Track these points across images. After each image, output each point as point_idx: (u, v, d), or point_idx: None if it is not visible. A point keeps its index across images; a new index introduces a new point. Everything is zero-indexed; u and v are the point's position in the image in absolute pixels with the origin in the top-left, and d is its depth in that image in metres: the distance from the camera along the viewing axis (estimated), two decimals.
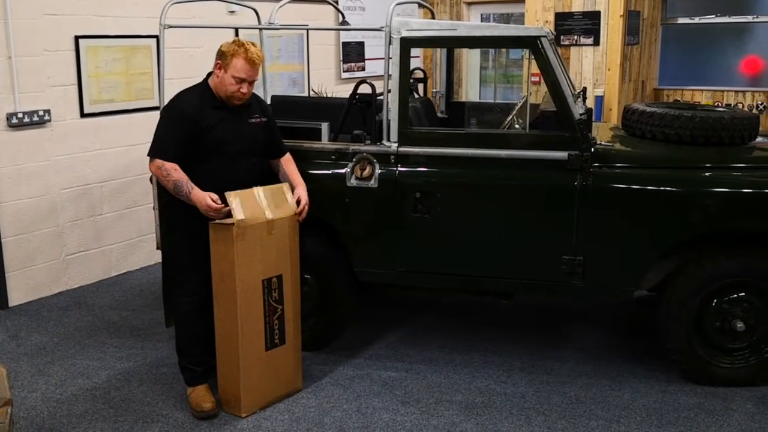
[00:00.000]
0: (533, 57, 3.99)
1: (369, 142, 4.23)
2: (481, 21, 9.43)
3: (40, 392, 4.04)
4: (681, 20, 8.63)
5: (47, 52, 5.29)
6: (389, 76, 4.08)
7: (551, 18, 7.76)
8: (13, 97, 5.09)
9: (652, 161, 4.04)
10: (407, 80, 4.18)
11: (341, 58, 8.14)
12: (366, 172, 4.15)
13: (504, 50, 9.42)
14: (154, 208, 4.28)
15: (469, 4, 9.35)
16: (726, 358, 4.04)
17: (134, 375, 4.23)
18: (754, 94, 8.22)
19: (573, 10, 7.64)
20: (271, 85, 5.70)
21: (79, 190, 5.61)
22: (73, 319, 5.06)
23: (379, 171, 4.13)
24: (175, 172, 3.60)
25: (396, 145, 4.12)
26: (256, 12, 5.21)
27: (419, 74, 5.65)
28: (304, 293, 4.17)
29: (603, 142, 4.17)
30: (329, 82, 7.92)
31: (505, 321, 4.98)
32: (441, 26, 4.25)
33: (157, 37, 5.36)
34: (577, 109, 4.02)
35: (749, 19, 8.26)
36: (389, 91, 4.11)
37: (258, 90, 3.89)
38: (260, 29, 5.23)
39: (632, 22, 7.75)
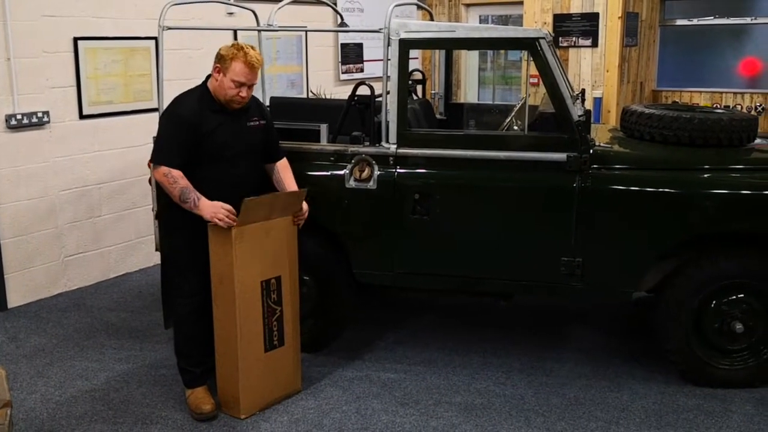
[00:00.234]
0: (532, 58, 4.00)
1: (368, 143, 4.23)
2: (480, 22, 9.43)
3: (39, 394, 4.04)
4: (679, 22, 8.64)
5: (46, 53, 5.29)
6: (388, 77, 4.08)
7: (550, 19, 7.77)
8: (11, 98, 5.09)
9: (651, 163, 4.04)
10: (406, 82, 4.18)
11: (340, 60, 8.14)
12: (365, 174, 4.15)
13: (502, 52, 9.43)
14: (153, 210, 4.28)
15: (468, 5, 9.36)
16: (725, 359, 4.04)
17: (133, 376, 4.23)
18: (752, 96, 8.22)
19: (571, 11, 7.64)
20: (270, 87, 5.71)
21: (78, 192, 5.61)
22: (72, 320, 5.05)
23: (378, 172, 4.14)
24: (181, 179, 3.59)
25: (395, 146, 4.12)
26: (254, 14, 5.21)
27: (418, 76, 5.65)
28: (303, 294, 4.17)
29: (601, 144, 4.18)
30: (328, 83, 7.92)
31: (504, 322, 4.98)
32: (440, 28, 4.26)
33: (156, 38, 5.35)
34: (576, 111, 4.03)
35: (747, 20, 8.26)
36: (388, 93, 4.12)
37: (257, 91, 3.88)
38: (259, 31, 5.23)
39: (630, 23, 7.76)
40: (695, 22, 8.51)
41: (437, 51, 5.96)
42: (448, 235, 4.13)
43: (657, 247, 3.93)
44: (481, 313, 5.13)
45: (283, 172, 3.99)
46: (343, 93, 6.02)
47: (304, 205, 3.89)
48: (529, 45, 3.99)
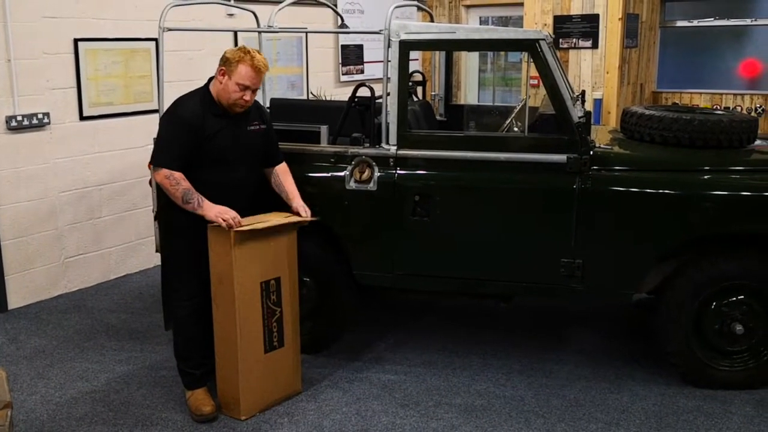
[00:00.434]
0: (532, 60, 4.00)
1: (368, 145, 4.23)
2: (480, 24, 9.44)
3: (39, 395, 4.04)
4: (679, 23, 8.65)
5: (46, 55, 5.30)
6: (388, 79, 4.09)
7: (550, 21, 7.77)
8: (12, 100, 5.09)
9: (651, 164, 4.04)
10: (406, 83, 4.18)
11: (340, 61, 8.14)
12: (365, 175, 4.15)
13: (503, 53, 9.43)
14: (153, 211, 4.28)
15: (468, 7, 9.37)
16: (725, 361, 4.04)
17: (133, 378, 4.23)
18: (752, 97, 8.23)
19: (572, 13, 7.64)
20: (270, 88, 5.71)
21: (78, 193, 5.61)
22: (73, 322, 5.05)
23: (378, 174, 4.14)
24: (183, 181, 3.59)
25: (395, 148, 4.13)
26: (255, 15, 5.21)
27: (418, 77, 5.65)
28: (303, 296, 4.17)
29: (602, 145, 4.17)
30: (328, 85, 7.92)
31: (504, 324, 4.98)
32: (440, 29, 4.26)
33: (156, 40, 5.36)
34: (576, 112, 4.03)
35: (748, 22, 8.27)
36: (388, 94, 4.12)
37: (257, 93, 3.88)
38: (259, 32, 5.24)
39: (631, 25, 7.76)
40: (695, 23, 8.52)
41: (437, 52, 5.96)
42: (448, 236, 4.13)
43: (657, 249, 3.93)
44: (481, 315, 5.13)
45: (283, 176, 3.99)
46: (344, 94, 6.03)
47: (304, 208, 3.89)
48: (530, 46, 3.99)
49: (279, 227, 3.77)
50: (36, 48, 5.22)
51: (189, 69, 6.07)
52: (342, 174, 4.18)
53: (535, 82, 6.43)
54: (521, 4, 8.03)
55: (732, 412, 3.83)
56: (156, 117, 4.08)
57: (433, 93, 5.84)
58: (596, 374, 4.25)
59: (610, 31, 7.48)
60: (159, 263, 4.49)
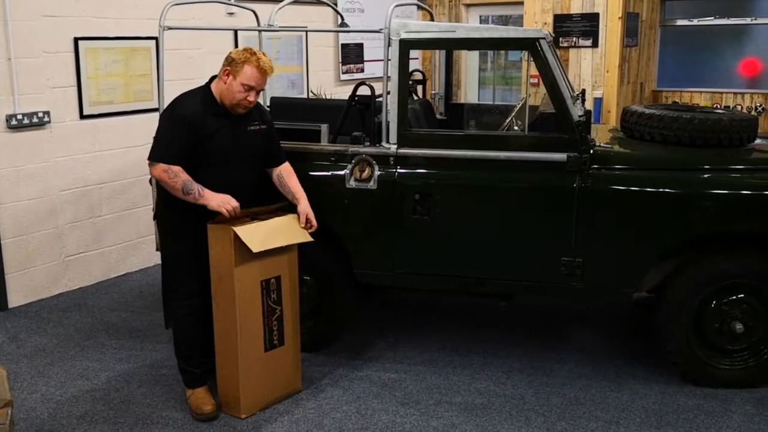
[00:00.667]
0: (532, 59, 4.00)
1: (368, 143, 4.24)
2: (480, 23, 9.44)
3: (40, 394, 4.04)
4: (680, 22, 8.64)
5: (46, 53, 5.30)
6: (388, 77, 4.09)
7: (550, 20, 7.77)
8: (12, 98, 5.09)
9: (651, 163, 4.04)
10: (406, 82, 4.19)
11: (340, 60, 8.14)
12: (365, 174, 4.15)
13: (503, 52, 9.42)
14: (153, 210, 4.28)
15: (468, 5, 9.36)
16: (725, 359, 4.04)
17: (134, 376, 4.24)
18: (752, 96, 8.23)
19: (572, 11, 7.65)
20: (270, 87, 5.70)
21: (78, 192, 5.61)
22: (73, 320, 5.06)
23: (378, 173, 4.14)
24: (182, 173, 3.59)
25: (395, 146, 4.13)
26: (255, 14, 5.22)
27: (418, 76, 5.65)
28: (303, 294, 4.17)
29: (602, 144, 4.18)
30: (328, 83, 7.93)
31: (504, 323, 4.98)
32: (440, 28, 4.26)
33: (156, 38, 5.36)
34: (576, 111, 4.03)
35: (748, 21, 8.27)
36: (388, 93, 4.12)
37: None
38: (259, 31, 5.24)
39: (631, 23, 7.76)
40: (695, 22, 8.52)
41: (437, 51, 5.96)
42: (448, 235, 4.13)
43: (657, 248, 3.93)
44: (481, 314, 5.13)
45: (288, 177, 3.98)
46: (344, 93, 6.03)
47: (311, 214, 3.89)
48: (530, 45, 3.99)
49: (278, 222, 3.78)
50: (36, 47, 5.22)
51: (189, 68, 6.07)
52: (342, 173, 4.18)
53: (536, 80, 6.44)
54: (521, 3, 8.03)
55: (732, 410, 3.83)
56: (156, 116, 4.08)
57: (433, 92, 5.84)
58: (596, 373, 4.25)
59: (610, 30, 7.48)
60: (159, 262, 4.49)
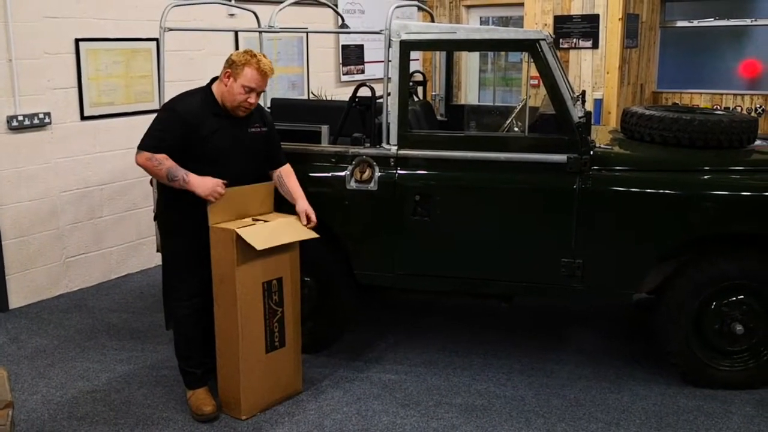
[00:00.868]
0: (532, 60, 4.00)
1: (368, 145, 4.24)
2: (480, 24, 9.44)
3: (40, 395, 4.04)
4: (680, 23, 8.65)
5: (47, 54, 5.30)
6: (389, 79, 4.09)
7: (550, 21, 7.77)
8: (13, 99, 5.10)
9: (651, 164, 4.04)
10: (407, 83, 4.19)
11: (341, 61, 8.14)
12: (365, 175, 4.15)
13: (503, 53, 9.43)
14: (154, 211, 4.29)
15: (469, 7, 9.37)
16: (725, 361, 4.04)
17: (134, 377, 4.24)
18: (752, 97, 8.23)
19: (572, 13, 7.65)
20: (271, 88, 5.71)
21: (79, 193, 5.61)
22: (74, 321, 5.06)
23: (379, 174, 4.14)
24: (166, 160, 3.62)
25: (395, 148, 4.13)
26: (255, 15, 5.22)
27: (419, 77, 5.65)
28: (304, 296, 4.17)
29: (602, 145, 4.18)
30: (329, 85, 7.93)
31: (504, 324, 4.98)
32: (440, 29, 4.26)
33: (157, 40, 5.37)
34: (576, 112, 4.03)
35: (748, 22, 8.28)
36: (389, 94, 4.12)
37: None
38: (260, 32, 5.24)
39: (631, 25, 7.76)
40: (695, 23, 8.53)
41: (438, 52, 5.97)
42: (448, 236, 4.13)
43: (657, 249, 3.93)
44: (482, 315, 5.13)
45: (287, 178, 3.99)
46: (344, 94, 6.03)
47: (310, 211, 3.89)
48: (530, 46, 3.99)
49: (280, 224, 3.78)
50: (37, 48, 5.23)
51: (190, 69, 6.07)
52: (343, 174, 4.19)
53: (536, 82, 6.44)
54: (521, 5, 8.04)
55: (732, 411, 3.83)
56: None
57: (433, 93, 5.85)
58: (597, 374, 4.26)
59: (611, 32, 7.49)
60: (160, 263, 4.49)
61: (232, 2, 6.19)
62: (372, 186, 4.14)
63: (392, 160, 4.14)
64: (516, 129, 4.52)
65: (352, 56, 8.29)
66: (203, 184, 3.60)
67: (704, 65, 8.59)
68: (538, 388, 4.10)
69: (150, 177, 3.96)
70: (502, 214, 4.07)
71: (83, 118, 5.58)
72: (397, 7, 4.20)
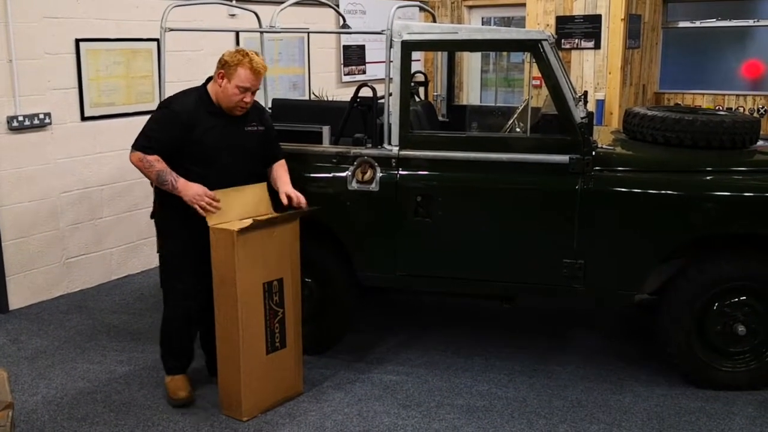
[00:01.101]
0: (534, 60, 4.00)
1: (370, 145, 4.23)
2: (482, 24, 9.44)
3: (40, 396, 4.03)
4: (682, 24, 8.65)
5: (48, 55, 5.29)
6: (390, 79, 4.08)
7: (552, 21, 7.77)
8: (13, 100, 5.09)
9: (653, 165, 4.03)
10: (408, 84, 4.18)
11: (342, 62, 8.14)
12: (367, 176, 4.14)
13: (505, 54, 9.43)
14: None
15: (470, 7, 9.37)
16: (727, 361, 4.03)
17: (135, 378, 4.23)
18: (754, 98, 8.23)
19: (574, 13, 7.65)
20: (272, 89, 5.71)
21: (79, 194, 5.61)
22: (74, 322, 5.05)
23: (380, 174, 4.13)
24: (157, 163, 3.63)
25: (397, 148, 4.12)
26: (256, 15, 5.22)
27: (420, 77, 5.65)
28: (305, 297, 4.16)
29: (604, 146, 4.16)
30: (330, 85, 7.92)
31: (506, 325, 4.97)
32: (442, 29, 4.25)
33: (157, 40, 5.36)
34: (578, 113, 4.02)
35: (750, 23, 8.27)
36: (390, 95, 4.11)
37: (258, 94, 3.88)
38: (261, 33, 5.23)
39: (633, 25, 7.76)
40: (698, 24, 8.52)
41: (440, 53, 5.96)
42: (450, 237, 4.12)
43: (659, 250, 3.92)
44: (483, 316, 5.12)
45: (277, 169, 3.98)
46: (346, 95, 6.03)
47: (293, 192, 3.85)
48: (532, 47, 3.99)
49: (279, 219, 3.77)
50: (37, 48, 5.22)
51: (190, 69, 6.06)
52: (344, 174, 4.18)
53: (538, 82, 6.44)
54: (523, 5, 8.04)
55: (734, 413, 3.82)
56: None
57: (435, 93, 5.84)
58: (598, 375, 4.24)
59: (613, 32, 7.48)
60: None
61: (233, 2, 6.19)
62: (373, 187, 4.13)
63: (394, 160, 4.13)
64: (518, 130, 4.51)
65: (354, 57, 8.29)
66: (189, 190, 3.60)
67: (706, 66, 8.59)
68: (539, 389, 4.09)
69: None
70: (504, 214, 4.06)
71: (83, 118, 5.57)
72: (399, 7, 4.19)
